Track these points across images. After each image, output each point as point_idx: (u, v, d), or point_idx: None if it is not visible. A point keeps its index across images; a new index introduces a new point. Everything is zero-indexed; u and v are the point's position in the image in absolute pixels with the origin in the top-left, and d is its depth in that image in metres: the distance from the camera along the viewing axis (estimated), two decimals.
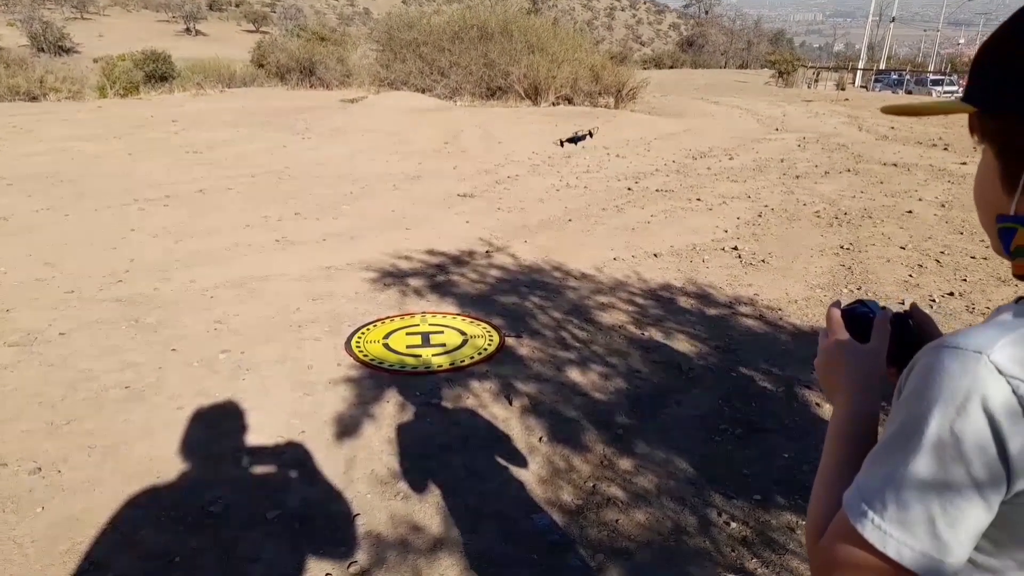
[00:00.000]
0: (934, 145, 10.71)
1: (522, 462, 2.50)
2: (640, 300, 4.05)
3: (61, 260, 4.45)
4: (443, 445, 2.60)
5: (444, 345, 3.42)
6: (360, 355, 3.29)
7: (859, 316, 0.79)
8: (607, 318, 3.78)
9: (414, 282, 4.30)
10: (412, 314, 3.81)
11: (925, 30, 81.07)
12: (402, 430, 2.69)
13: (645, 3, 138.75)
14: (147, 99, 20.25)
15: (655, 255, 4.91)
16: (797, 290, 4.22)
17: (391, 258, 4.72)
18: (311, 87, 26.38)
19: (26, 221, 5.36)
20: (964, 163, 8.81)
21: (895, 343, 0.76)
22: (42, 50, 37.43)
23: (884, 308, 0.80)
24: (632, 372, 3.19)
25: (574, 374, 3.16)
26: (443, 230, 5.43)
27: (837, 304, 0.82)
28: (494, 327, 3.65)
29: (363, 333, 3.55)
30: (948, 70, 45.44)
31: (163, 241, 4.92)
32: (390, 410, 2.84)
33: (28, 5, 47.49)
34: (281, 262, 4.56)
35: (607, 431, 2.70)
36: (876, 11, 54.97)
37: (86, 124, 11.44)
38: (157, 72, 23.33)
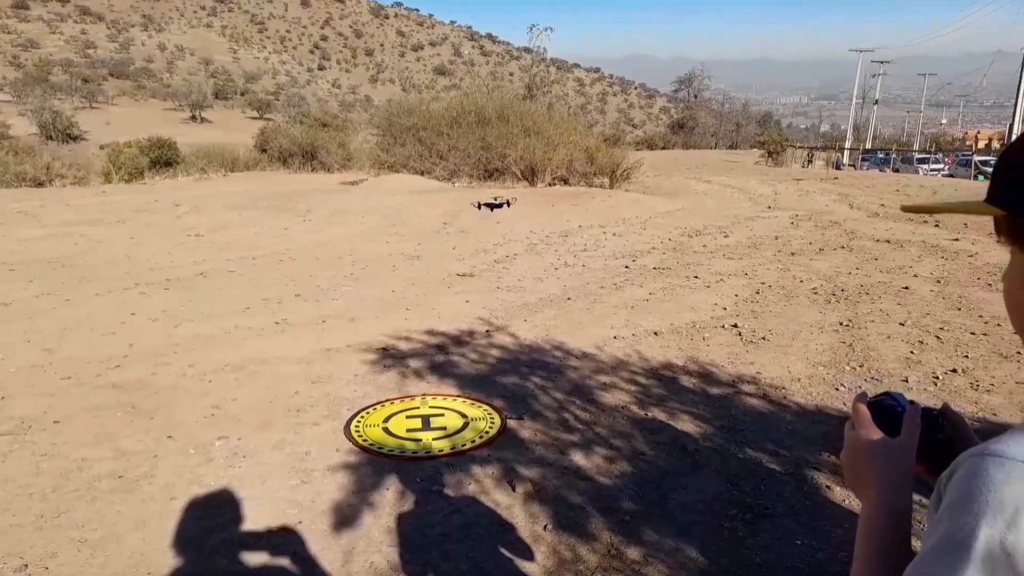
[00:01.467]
0: (925, 222, 10.89)
1: (527, 553, 2.42)
2: (642, 379, 4.02)
3: (60, 346, 4.43)
4: (444, 534, 2.52)
5: (445, 428, 3.37)
6: (359, 440, 3.23)
7: (887, 409, 0.78)
8: (609, 398, 3.74)
9: (414, 363, 4.28)
10: (412, 396, 3.77)
11: (908, 111, 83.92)
12: (402, 519, 2.61)
13: (636, 88, 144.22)
14: (151, 184, 20.70)
15: (655, 333, 4.90)
16: (799, 368, 4.20)
17: (391, 339, 4.71)
18: (312, 171, 27.06)
19: (27, 307, 5.37)
20: (956, 239, 8.94)
21: (924, 438, 0.75)
22: (50, 138, 38.51)
23: (912, 402, 0.79)
24: (637, 455, 3.13)
25: (578, 457, 3.10)
26: (443, 310, 5.45)
27: (863, 397, 0.81)
28: (495, 409, 3.60)
29: (363, 417, 3.50)
30: (933, 148, 46.84)
31: (162, 325, 4.92)
32: (390, 497, 2.76)
33: (39, 96, 49.14)
34: (281, 345, 4.55)
35: (613, 518, 2.63)
36: (859, 94, 57.13)
37: (90, 209, 11.62)
38: (162, 158, 23.93)
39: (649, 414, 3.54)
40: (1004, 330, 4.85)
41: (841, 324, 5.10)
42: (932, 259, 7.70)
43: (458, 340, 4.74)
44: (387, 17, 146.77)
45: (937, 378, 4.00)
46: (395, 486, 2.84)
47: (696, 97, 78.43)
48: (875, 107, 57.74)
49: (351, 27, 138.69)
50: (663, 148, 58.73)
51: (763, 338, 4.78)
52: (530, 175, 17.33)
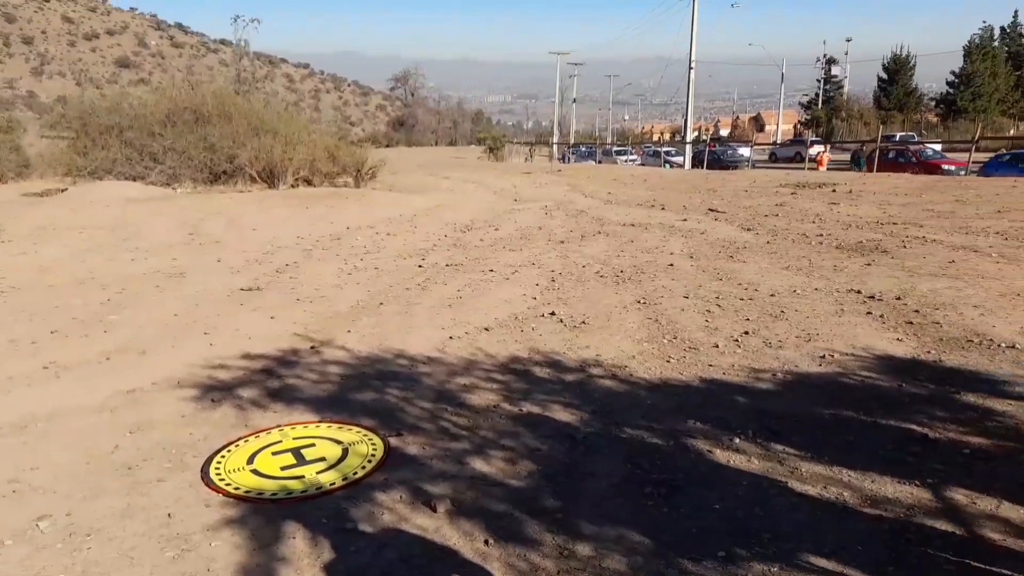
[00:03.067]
0: (653, 206, 12.42)
1: (483, 573, 2.28)
2: (499, 376, 4.02)
3: None
4: (387, 574, 2.27)
5: (324, 459, 3.03)
6: (229, 489, 2.76)
7: None
8: (477, 400, 3.68)
9: (246, 393, 3.76)
10: (267, 430, 3.31)
11: (600, 108, 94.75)
12: (331, 568, 2.30)
13: (350, 85, 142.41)
14: None
15: (486, 329, 4.92)
16: (628, 346, 4.53)
17: (203, 369, 4.08)
18: None
19: None
20: (685, 220, 10.36)
21: None
22: None
23: None
24: (532, 451, 3.12)
25: (478, 464, 3.00)
26: (248, 330, 4.87)
27: None
28: (368, 429, 3.33)
29: (219, 462, 2.99)
30: (627, 143, 53.89)
31: None
32: (302, 547, 2.41)
33: None
34: (64, 393, 3.68)
35: (546, 518, 2.59)
36: (559, 93, 63.12)
37: None
38: None
39: (523, 409, 3.55)
40: (761, 294, 5.75)
41: (639, 302, 5.61)
42: (675, 239, 8.80)
43: (284, 361, 4.28)
44: (47, 0, 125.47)
45: (737, 340, 4.59)
46: (301, 532, 2.48)
47: (413, 95, 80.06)
48: (574, 105, 64.38)
49: None
50: (387, 146, 58.99)
51: (583, 322, 5.06)
52: (269, 177, 16.24)
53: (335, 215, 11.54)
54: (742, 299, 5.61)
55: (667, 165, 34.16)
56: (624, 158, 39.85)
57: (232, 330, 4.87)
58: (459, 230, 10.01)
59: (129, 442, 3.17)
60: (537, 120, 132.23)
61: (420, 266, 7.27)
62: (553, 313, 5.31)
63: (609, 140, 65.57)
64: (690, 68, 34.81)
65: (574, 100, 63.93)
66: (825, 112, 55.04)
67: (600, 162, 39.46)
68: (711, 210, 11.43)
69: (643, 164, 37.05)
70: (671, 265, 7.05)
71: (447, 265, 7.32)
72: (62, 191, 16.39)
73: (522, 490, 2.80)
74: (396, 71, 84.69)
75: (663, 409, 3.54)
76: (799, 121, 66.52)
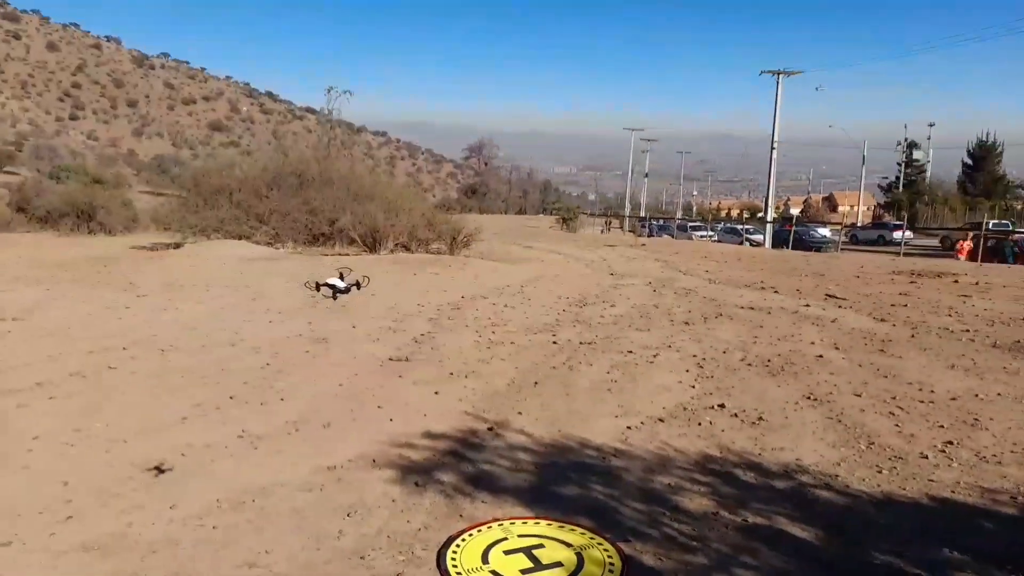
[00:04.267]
0: (763, 288, 12.11)
1: None
2: (699, 476, 3.80)
3: None
4: None
5: (561, 564, 2.86)
6: None
7: None
8: (691, 504, 3.46)
9: (446, 478, 3.65)
10: (487, 523, 3.17)
11: (670, 183, 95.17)
12: None
13: (423, 153, 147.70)
14: None
15: (660, 420, 4.73)
16: (825, 450, 4.25)
17: (392, 448, 4.01)
18: (91, 233, 23.79)
19: None
20: (807, 306, 10.01)
21: None
22: None
23: None
24: (781, 573, 2.87)
25: None
26: (419, 406, 4.80)
27: None
28: (591, 531, 3.15)
29: (453, 558, 2.85)
30: (700, 218, 53.73)
31: (88, 450, 3.72)
32: None
33: None
34: (266, 466, 3.65)
35: None
36: (631, 168, 63.85)
37: None
38: None
39: (747, 520, 3.31)
40: (939, 396, 5.39)
41: (808, 398, 5.32)
42: (806, 326, 8.47)
43: (468, 443, 4.17)
44: (152, 67, 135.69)
45: (944, 452, 4.25)
46: None
47: (486, 165, 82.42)
48: (645, 179, 64.91)
49: (109, 75, 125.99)
50: (459, 212, 60.45)
51: (760, 419, 4.81)
52: (371, 242, 16.66)
53: (444, 283, 11.66)
54: (921, 402, 5.26)
55: (746, 243, 33.72)
56: (699, 234, 39.62)
57: (402, 404, 4.81)
58: (574, 304, 9.92)
59: (351, 528, 3.07)
60: (601, 192, 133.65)
61: (555, 343, 7.16)
62: (722, 406, 5.07)
63: (679, 215, 65.51)
64: (772, 148, 34.72)
65: (646, 175, 64.48)
66: (907, 196, 53.82)
67: (673, 237, 39.25)
68: (829, 296, 11.06)
69: (719, 240, 36.68)
70: (820, 357, 6.74)
71: (581, 343, 7.19)
72: (174, 247, 17.21)
73: None
74: (467, 141, 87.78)
75: (905, 532, 3.24)
76: (877, 204, 65.23)
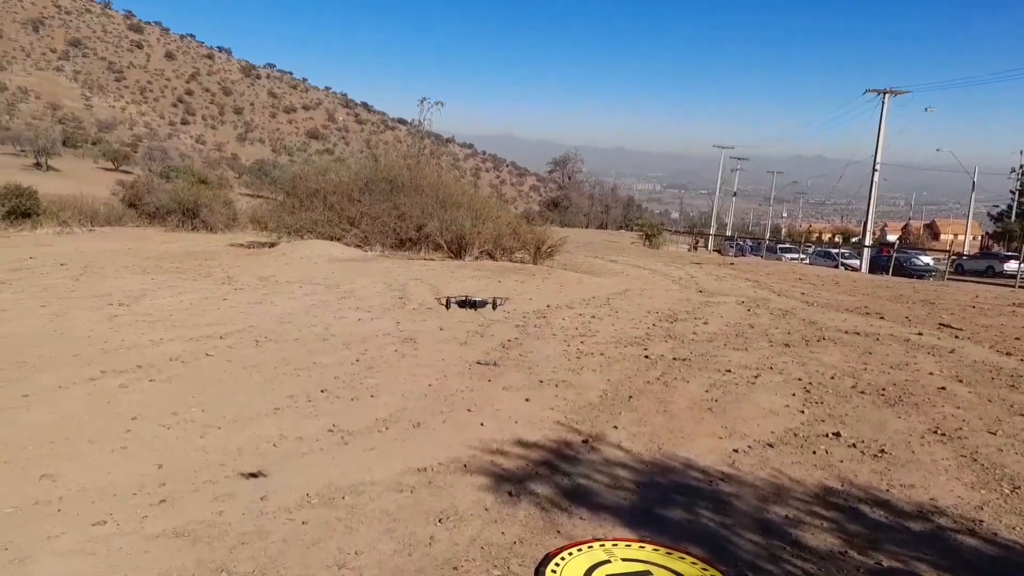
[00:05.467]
0: (867, 313, 11.34)
1: None
2: (821, 510, 3.43)
3: (60, 470, 3.16)
4: None
5: None
6: None
7: None
8: (814, 540, 3.11)
9: (540, 489, 3.44)
10: (587, 543, 2.94)
11: (759, 203, 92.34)
12: None
13: (508, 166, 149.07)
14: (6, 237, 18.09)
15: (769, 445, 4.36)
16: (962, 491, 3.79)
17: (484, 453, 3.83)
18: (193, 230, 25.03)
19: None
20: (920, 334, 9.27)
21: None
22: None
23: None
24: None
25: None
26: (510, 412, 4.62)
27: None
28: (706, 563, 2.85)
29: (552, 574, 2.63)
30: (790, 239, 51.61)
31: (183, 434, 3.72)
32: None
33: None
34: (357, 463, 3.54)
35: None
36: (719, 186, 62.19)
37: None
38: (20, 208, 20.97)
39: (881, 563, 2.94)
40: None
41: (934, 432, 4.82)
42: (922, 355, 7.80)
43: (562, 455, 3.94)
44: (259, 77, 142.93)
45: None
46: None
47: (570, 179, 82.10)
48: (734, 199, 63.06)
49: (219, 84, 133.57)
50: (541, 224, 60.47)
51: (882, 451, 4.37)
52: (457, 248, 16.73)
53: (528, 291, 11.48)
54: None
55: (841, 267, 32.10)
56: (790, 255, 38.06)
57: (493, 409, 4.63)
58: (664, 319, 9.53)
59: (443, 535, 2.90)
60: (684, 210, 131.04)
61: (647, 357, 6.84)
62: (837, 434, 4.64)
63: (767, 235, 63.27)
64: (875, 170, 33.01)
65: (735, 193, 62.67)
66: (1021, 225, 50.15)
67: (763, 257, 37.90)
68: (944, 325, 10.22)
69: (811, 263, 35.06)
70: (942, 389, 6.14)
71: (675, 359, 6.84)
72: (270, 245, 17.82)
73: None
74: (551, 155, 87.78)
75: None
76: (985, 233, 61.19)
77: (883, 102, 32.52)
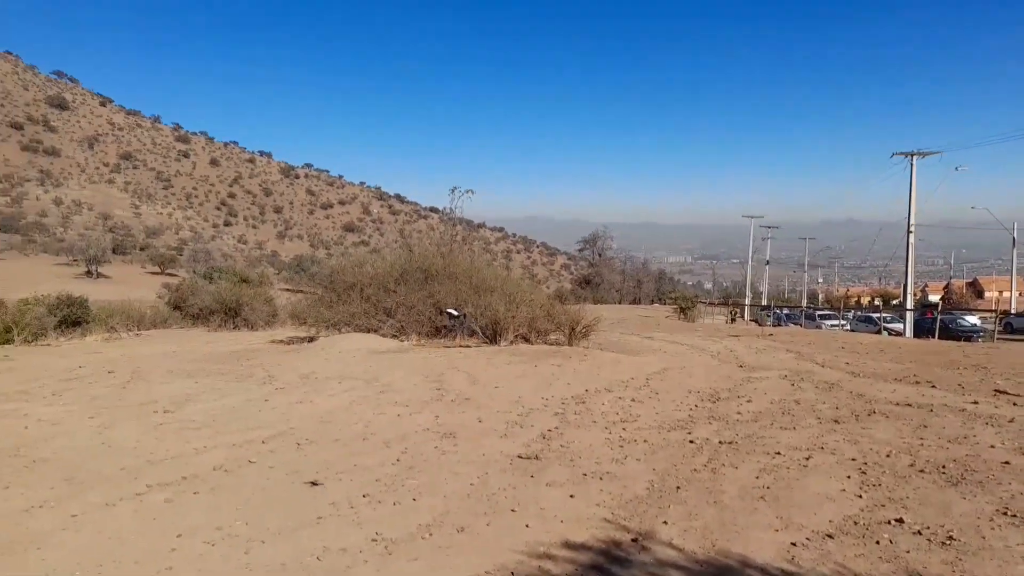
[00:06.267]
0: (918, 382, 10.97)
1: None
2: None
3: None
4: None
5: None
6: None
7: None
8: None
9: None
10: None
11: (794, 270, 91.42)
12: None
13: (538, 246, 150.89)
14: (56, 346, 18.69)
15: (829, 536, 4.17)
16: None
17: (531, 559, 3.73)
18: (235, 328, 25.61)
19: (18, 528, 3.99)
20: (975, 403, 8.91)
21: None
22: None
23: None
24: None
25: None
26: (554, 511, 4.52)
27: None
28: None
29: None
30: (829, 305, 50.71)
31: (228, 551, 3.72)
32: None
33: None
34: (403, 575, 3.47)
35: None
36: (751, 255, 61.90)
37: (1, 378, 9.95)
38: (70, 317, 21.81)
39: None
40: None
41: (1004, 514, 4.57)
42: (979, 426, 7.48)
43: (611, 556, 3.82)
44: (297, 177, 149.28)
45: None
46: None
47: (600, 256, 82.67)
48: (767, 267, 62.54)
49: (260, 186, 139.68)
50: (574, 303, 60.53)
51: (950, 537, 4.15)
52: (492, 333, 16.80)
53: (566, 375, 11.39)
54: None
55: (884, 332, 31.28)
56: (829, 323, 37.21)
57: (537, 508, 4.54)
58: (706, 399, 9.34)
59: None
60: (717, 280, 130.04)
61: (692, 442, 6.68)
62: (900, 520, 4.43)
63: (804, 302, 62.25)
64: (909, 231, 32.65)
65: (767, 262, 62.22)
66: None
67: (801, 325, 37.13)
68: (1000, 392, 9.82)
69: (852, 330, 34.22)
70: (1006, 463, 5.85)
71: (721, 442, 6.66)
72: (308, 340, 18.11)
73: None
74: (581, 233, 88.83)
75: None
76: None
77: (912, 164, 32.49)
